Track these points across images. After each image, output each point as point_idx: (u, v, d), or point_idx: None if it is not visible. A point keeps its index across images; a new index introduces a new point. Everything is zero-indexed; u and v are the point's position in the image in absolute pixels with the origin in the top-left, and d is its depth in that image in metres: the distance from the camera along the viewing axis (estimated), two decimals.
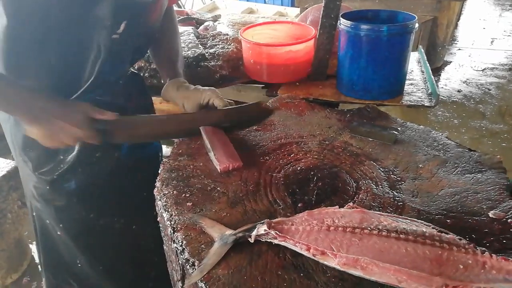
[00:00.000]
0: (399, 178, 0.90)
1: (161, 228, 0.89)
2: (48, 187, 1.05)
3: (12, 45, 0.87)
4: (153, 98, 1.70)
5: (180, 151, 1.01)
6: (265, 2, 4.48)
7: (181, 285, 0.77)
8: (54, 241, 1.16)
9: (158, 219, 0.88)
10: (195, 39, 1.71)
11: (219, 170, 0.92)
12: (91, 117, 0.89)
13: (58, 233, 1.13)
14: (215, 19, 2.22)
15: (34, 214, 1.17)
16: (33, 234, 1.24)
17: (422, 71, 1.60)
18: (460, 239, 0.67)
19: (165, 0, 1.06)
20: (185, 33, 1.74)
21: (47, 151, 1.00)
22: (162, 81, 1.18)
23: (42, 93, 0.87)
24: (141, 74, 1.63)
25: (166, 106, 1.72)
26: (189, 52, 1.58)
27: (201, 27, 1.96)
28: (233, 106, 1.06)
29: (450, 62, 4.31)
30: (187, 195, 0.85)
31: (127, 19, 0.91)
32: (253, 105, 1.12)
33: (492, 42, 4.84)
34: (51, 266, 1.21)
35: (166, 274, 0.92)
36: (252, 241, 0.71)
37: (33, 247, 1.91)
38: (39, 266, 1.26)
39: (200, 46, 1.65)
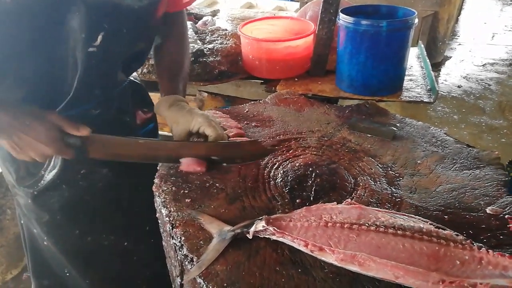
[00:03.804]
0: (397, 174, 0.90)
1: (160, 224, 0.89)
2: (30, 201, 1.02)
3: None
4: (152, 94, 1.70)
5: None
6: None
7: (179, 280, 0.77)
8: (42, 250, 1.13)
9: (157, 215, 0.89)
10: (194, 34, 1.70)
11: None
12: (63, 131, 0.83)
13: (45, 243, 1.09)
14: (214, 14, 2.21)
15: (22, 222, 1.14)
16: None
17: (422, 67, 1.60)
18: (457, 235, 0.67)
19: (159, 8, 0.95)
20: None
21: (27, 165, 0.97)
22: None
23: (10, 104, 0.81)
24: (140, 71, 1.61)
25: None
26: None
27: (200, 22, 1.95)
28: (223, 141, 0.94)
29: (451, 57, 4.30)
30: (185, 192, 0.86)
31: (104, 30, 0.84)
32: (247, 142, 0.98)
33: (493, 37, 4.82)
34: (39, 273, 1.18)
35: (159, 283, 0.91)
36: (251, 237, 0.71)
37: None
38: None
39: (198, 41, 1.65)
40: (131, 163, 0.95)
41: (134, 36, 0.94)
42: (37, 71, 0.85)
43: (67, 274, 1.14)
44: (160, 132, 1.32)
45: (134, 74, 1.19)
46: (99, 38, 0.84)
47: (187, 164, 0.90)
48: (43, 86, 0.89)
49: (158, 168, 0.94)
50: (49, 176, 0.99)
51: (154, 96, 1.72)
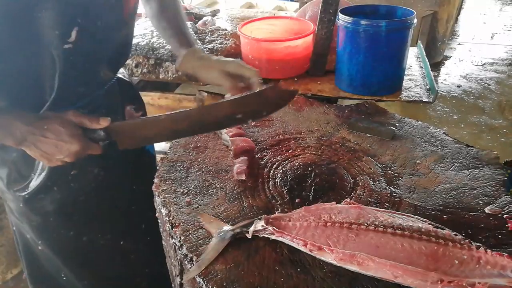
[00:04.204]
0: (396, 174, 0.91)
1: (159, 224, 0.89)
2: (21, 205, 1.00)
3: None
4: (151, 93, 1.70)
5: (178, 147, 1.01)
6: None
7: (179, 280, 0.77)
8: (37, 255, 1.11)
9: (156, 214, 0.89)
10: (194, 34, 1.70)
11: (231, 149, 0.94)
12: (83, 127, 0.82)
13: (40, 248, 1.08)
14: (214, 13, 2.21)
15: (14, 229, 1.13)
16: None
17: (421, 67, 1.60)
18: (456, 235, 0.67)
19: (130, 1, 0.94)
20: None
21: (18, 168, 0.96)
22: (174, 52, 1.07)
23: (19, 112, 0.80)
24: (139, 71, 1.62)
25: (165, 101, 1.73)
26: None
27: (200, 22, 1.95)
28: (243, 95, 0.91)
29: (450, 57, 4.30)
30: (185, 191, 0.86)
31: (77, 25, 0.82)
32: (268, 89, 0.91)
33: (492, 36, 4.82)
34: (36, 278, 1.17)
35: (158, 283, 0.90)
36: (250, 237, 0.72)
37: None
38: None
39: (198, 41, 1.65)
40: (124, 161, 0.93)
41: (110, 30, 0.92)
42: (17, 72, 0.84)
43: (64, 277, 1.13)
44: None
45: (123, 71, 1.17)
46: (73, 34, 0.82)
47: (236, 145, 0.93)
48: (26, 87, 0.87)
49: (157, 167, 0.94)
50: (38, 179, 0.98)
51: (155, 96, 1.73)
